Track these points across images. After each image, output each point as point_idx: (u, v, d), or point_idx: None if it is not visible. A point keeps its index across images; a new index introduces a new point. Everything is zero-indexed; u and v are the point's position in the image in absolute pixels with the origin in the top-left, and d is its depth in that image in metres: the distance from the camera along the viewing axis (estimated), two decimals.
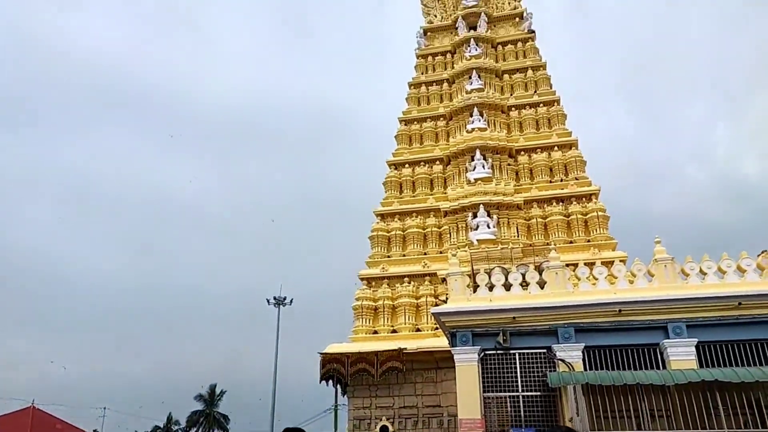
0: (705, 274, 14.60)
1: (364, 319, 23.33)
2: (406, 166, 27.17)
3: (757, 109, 79.58)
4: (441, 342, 19.79)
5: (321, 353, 21.40)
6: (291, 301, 38.89)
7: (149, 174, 79.64)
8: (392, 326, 23.10)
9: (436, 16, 31.52)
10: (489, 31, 29.83)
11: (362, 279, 24.61)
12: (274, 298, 38.52)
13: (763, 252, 14.72)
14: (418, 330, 22.75)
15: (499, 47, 29.66)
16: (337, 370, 21.03)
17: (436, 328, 20.55)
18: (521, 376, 14.38)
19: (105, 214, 75.26)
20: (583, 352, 14.14)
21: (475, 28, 29.76)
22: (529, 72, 28.28)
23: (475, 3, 30.20)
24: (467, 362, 14.63)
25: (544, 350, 14.44)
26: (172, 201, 78.85)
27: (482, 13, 29.83)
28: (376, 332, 23.11)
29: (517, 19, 30.15)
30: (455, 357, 14.81)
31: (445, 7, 31.63)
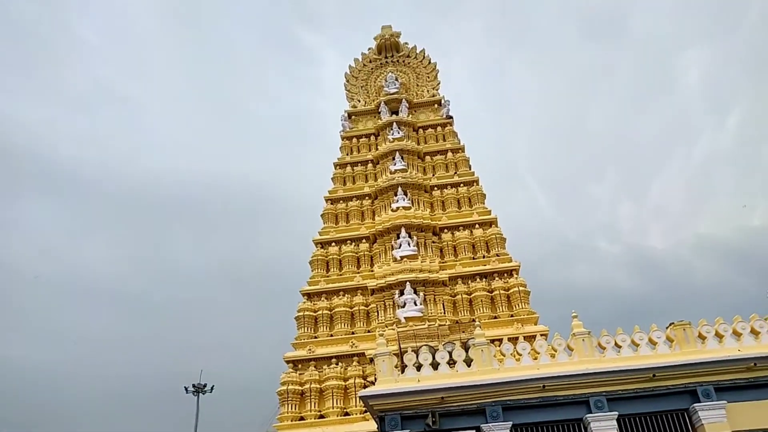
0: (620, 347, 15.21)
1: (289, 405, 22.35)
2: (333, 244, 27.21)
3: (657, 187, 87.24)
4: (370, 426, 19.17)
5: None
6: (212, 389, 36.69)
7: (64, 251, 74.90)
8: (320, 411, 22.23)
9: (359, 101, 32.86)
10: (410, 115, 31.36)
11: (288, 361, 23.76)
12: (193, 386, 36.14)
13: (671, 324, 15.63)
14: (346, 414, 22.01)
15: (420, 131, 31.16)
16: None
17: (365, 412, 19.96)
18: None
19: (16, 295, 69.20)
20: (511, 431, 14.13)
21: (397, 113, 31.25)
22: (449, 154, 29.72)
23: (396, 90, 31.89)
24: None
25: (474, 431, 14.32)
26: (86, 280, 73.88)
27: (403, 100, 31.48)
28: (302, 418, 22.13)
29: (436, 105, 32.01)
30: None
31: (368, 92, 33.12)
